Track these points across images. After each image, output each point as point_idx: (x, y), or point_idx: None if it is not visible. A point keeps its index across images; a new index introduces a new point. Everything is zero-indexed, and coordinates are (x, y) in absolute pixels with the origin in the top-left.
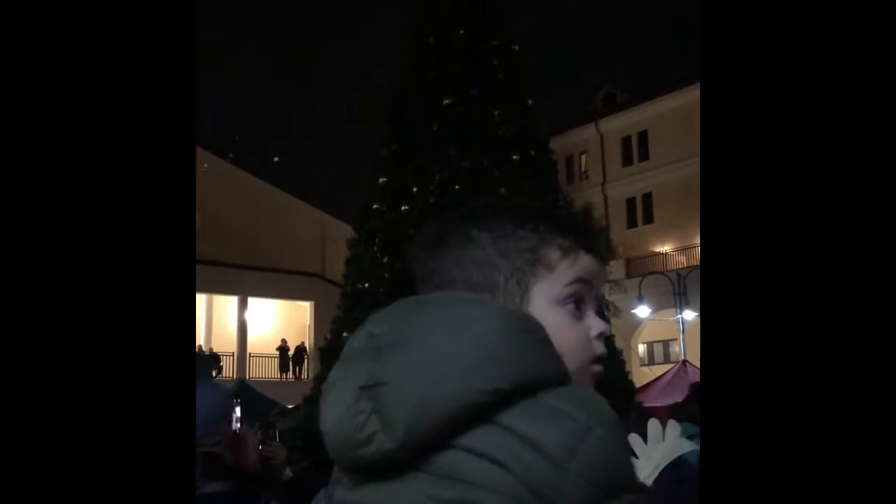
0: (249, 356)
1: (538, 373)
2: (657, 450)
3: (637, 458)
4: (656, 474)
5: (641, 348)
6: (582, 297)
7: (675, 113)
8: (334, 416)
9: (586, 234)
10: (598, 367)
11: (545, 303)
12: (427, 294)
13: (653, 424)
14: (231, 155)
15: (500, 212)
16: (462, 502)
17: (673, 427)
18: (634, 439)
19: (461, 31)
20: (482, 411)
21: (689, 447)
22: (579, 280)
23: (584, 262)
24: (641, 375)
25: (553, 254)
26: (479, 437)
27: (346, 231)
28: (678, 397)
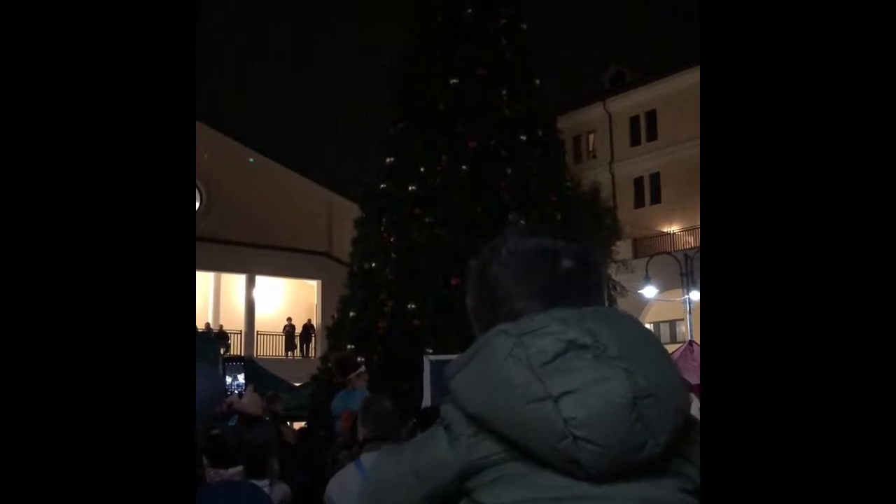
0: (257, 334)
1: None
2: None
3: None
4: None
5: (648, 328)
6: None
7: (684, 93)
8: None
9: None
10: None
11: None
12: None
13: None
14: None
15: None
16: None
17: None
18: None
19: (469, 10)
20: None
21: None
22: None
23: None
24: None
25: None
26: None
27: (352, 210)
28: (686, 378)
